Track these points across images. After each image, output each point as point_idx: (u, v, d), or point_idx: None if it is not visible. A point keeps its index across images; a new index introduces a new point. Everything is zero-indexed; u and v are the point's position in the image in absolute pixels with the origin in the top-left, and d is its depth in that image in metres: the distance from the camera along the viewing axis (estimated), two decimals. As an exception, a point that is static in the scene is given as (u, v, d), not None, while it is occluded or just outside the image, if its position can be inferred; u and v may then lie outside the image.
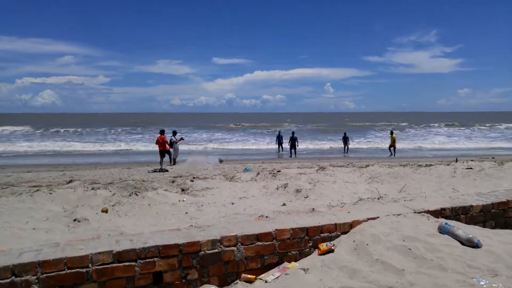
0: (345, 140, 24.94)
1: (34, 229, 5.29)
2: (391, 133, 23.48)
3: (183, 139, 19.02)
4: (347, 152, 24.70)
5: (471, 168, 9.83)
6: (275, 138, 25.70)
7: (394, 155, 22.16)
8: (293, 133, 23.77)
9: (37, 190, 7.64)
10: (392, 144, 22.60)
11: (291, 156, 22.77)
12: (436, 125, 59.78)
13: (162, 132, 17.13)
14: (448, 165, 11.07)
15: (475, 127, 52.88)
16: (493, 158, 18.28)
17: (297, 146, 23.28)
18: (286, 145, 24.27)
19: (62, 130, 48.29)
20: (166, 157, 16.85)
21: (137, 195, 7.48)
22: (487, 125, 56.20)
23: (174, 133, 17.90)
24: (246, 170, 12.97)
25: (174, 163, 16.99)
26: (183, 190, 8.71)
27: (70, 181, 10.59)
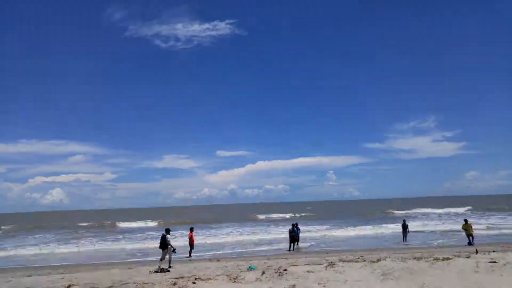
0: (404, 227, 23.56)
1: None
2: (466, 221, 21.31)
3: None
4: (405, 240, 23.34)
5: (494, 262, 9.12)
6: (288, 231, 21.91)
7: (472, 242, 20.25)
8: (294, 225, 22.02)
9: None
10: (470, 232, 20.65)
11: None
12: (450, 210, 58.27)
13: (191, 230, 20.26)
14: (468, 257, 10.33)
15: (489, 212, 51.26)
16: (516, 246, 17.23)
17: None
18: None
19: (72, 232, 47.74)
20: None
21: (134, 302, 6.96)
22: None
23: (168, 231, 15.52)
24: (250, 268, 12.28)
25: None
26: (183, 294, 8.13)
27: (69, 286, 10.09)
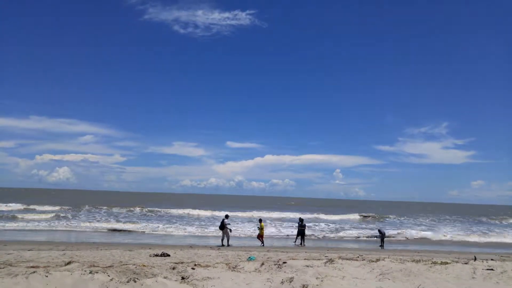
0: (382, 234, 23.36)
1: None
2: (260, 221, 22.34)
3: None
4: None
5: (492, 269, 9.23)
6: (297, 225, 23.27)
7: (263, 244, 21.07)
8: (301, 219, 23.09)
9: (34, 272, 7.37)
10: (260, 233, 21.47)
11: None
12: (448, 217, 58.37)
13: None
14: (466, 263, 10.43)
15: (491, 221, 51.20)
16: (514, 256, 17.31)
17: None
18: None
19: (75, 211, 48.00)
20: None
21: (135, 281, 7.14)
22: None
23: (227, 216, 20.93)
24: (250, 259, 12.46)
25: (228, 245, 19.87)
26: (183, 278, 8.30)
27: (69, 263, 10.26)
